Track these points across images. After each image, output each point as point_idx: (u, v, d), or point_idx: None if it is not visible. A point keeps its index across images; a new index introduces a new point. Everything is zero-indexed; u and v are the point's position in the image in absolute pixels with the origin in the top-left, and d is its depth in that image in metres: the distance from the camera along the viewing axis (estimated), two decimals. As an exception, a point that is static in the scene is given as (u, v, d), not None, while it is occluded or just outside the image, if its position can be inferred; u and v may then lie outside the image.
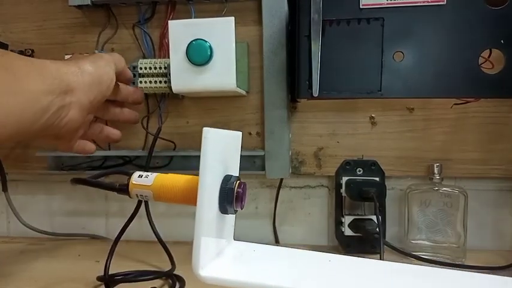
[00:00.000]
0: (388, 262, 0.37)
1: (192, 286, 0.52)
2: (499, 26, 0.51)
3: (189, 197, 0.34)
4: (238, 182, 0.35)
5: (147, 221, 0.64)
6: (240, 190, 0.35)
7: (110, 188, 0.38)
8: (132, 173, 0.38)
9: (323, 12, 0.53)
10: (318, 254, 0.38)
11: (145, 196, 0.37)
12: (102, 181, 0.39)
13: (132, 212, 0.58)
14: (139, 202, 0.57)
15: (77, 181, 0.40)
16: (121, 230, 0.54)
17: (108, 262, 0.53)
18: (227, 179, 0.35)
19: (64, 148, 0.51)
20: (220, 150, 0.35)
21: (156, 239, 0.63)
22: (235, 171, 0.38)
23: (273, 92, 0.65)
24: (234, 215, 0.38)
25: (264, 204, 0.72)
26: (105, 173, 0.45)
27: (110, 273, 0.53)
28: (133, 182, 0.37)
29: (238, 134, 0.39)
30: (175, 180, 0.36)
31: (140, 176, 0.37)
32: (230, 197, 0.34)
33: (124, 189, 0.37)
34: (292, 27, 0.63)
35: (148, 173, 0.37)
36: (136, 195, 0.37)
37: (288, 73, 0.64)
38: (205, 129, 0.32)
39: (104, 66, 0.47)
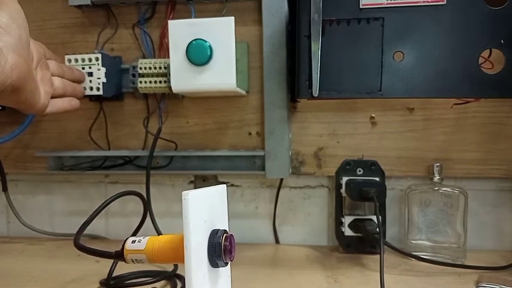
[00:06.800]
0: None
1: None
2: (499, 26, 0.51)
3: (179, 257, 0.34)
4: (225, 235, 0.36)
5: (150, 221, 0.64)
6: (227, 243, 0.36)
7: (107, 256, 0.39)
8: (126, 240, 0.38)
9: (323, 12, 0.53)
10: None
11: (140, 260, 0.37)
12: (99, 250, 0.40)
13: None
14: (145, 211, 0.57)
15: (79, 248, 0.41)
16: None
17: (113, 268, 0.53)
18: (214, 233, 0.36)
19: (38, 108, 0.48)
20: (204, 207, 0.35)
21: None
22: (222, 224, 0.39)
23: (273, 92, 0.65)
24: (229, 267, 0.39)
25: (264, 204, 0.72)
26: (117, 196, 0.45)
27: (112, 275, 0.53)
28: (127, 248, 0.38)
29: (223, 187, 0.40)
30: (165, 241, 0.37)
31: (133, 242, 0.38)
32: (218, 251, 0.35)
33: (119, 256, 0.38)
34: (292, 27, 0.63)
35: (141, 237, 0.38)
36: (132, 260, 0.38)
37: (288, 73, 0.64)
38: (184, 192, 0.32)
39: (11, 3, 0.44)
